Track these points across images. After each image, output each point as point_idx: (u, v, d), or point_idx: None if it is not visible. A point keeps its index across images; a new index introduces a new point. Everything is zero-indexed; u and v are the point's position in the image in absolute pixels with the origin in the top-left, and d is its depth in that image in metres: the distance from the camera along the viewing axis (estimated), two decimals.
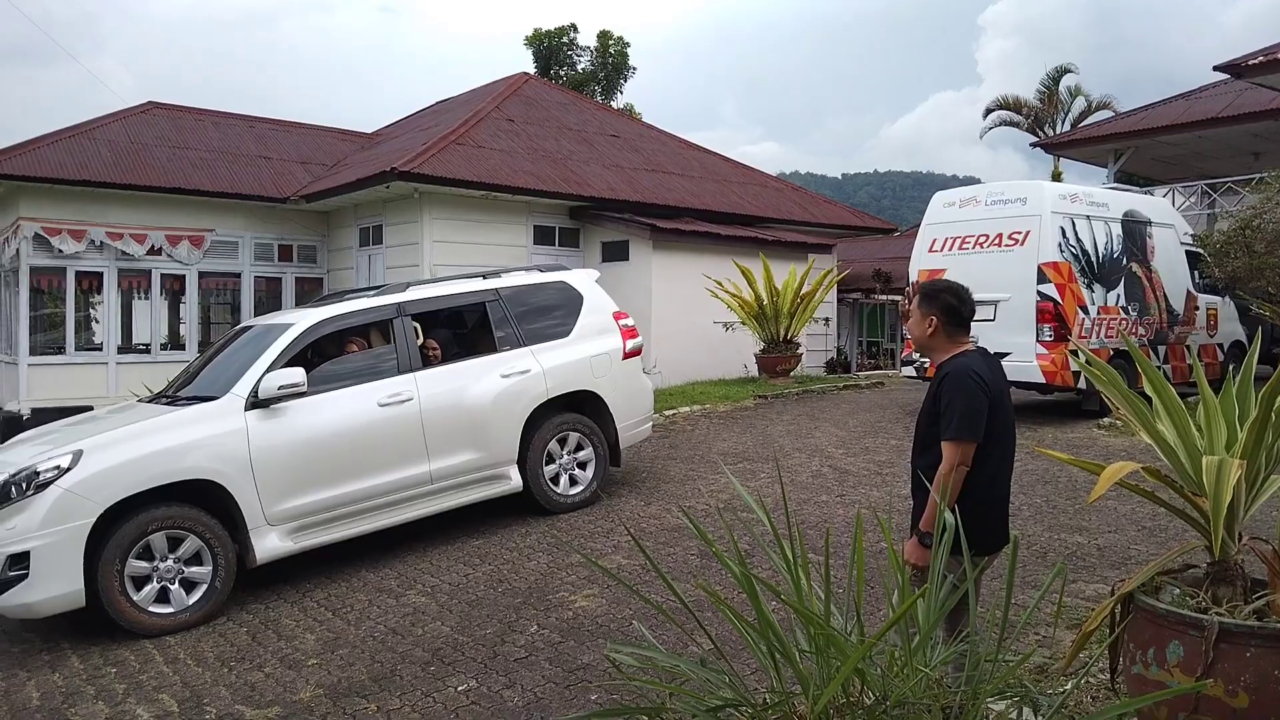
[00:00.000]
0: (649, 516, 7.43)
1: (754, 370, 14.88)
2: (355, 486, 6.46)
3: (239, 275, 16.19)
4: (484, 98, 18.62)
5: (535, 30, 36.53)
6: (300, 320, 6.74)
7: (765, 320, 14.25)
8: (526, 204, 15.19)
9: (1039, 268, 10.25)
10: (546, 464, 7.56)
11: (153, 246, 15.26)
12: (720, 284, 14.15)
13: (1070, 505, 7.21)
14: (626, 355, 8.07)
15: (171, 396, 6.82)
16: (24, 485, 5.52)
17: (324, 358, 6.92)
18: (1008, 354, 9.52)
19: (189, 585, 5.87)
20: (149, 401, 7.01)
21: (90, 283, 15.09)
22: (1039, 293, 10.24)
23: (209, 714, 4.57)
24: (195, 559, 5.88)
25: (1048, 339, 10.21)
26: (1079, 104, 31.56)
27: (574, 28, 36.48)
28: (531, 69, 33.59)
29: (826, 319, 17.91)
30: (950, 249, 11.14)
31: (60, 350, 14.91)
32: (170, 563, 5.80)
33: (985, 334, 10.70)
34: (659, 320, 14.64)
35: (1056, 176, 26.21)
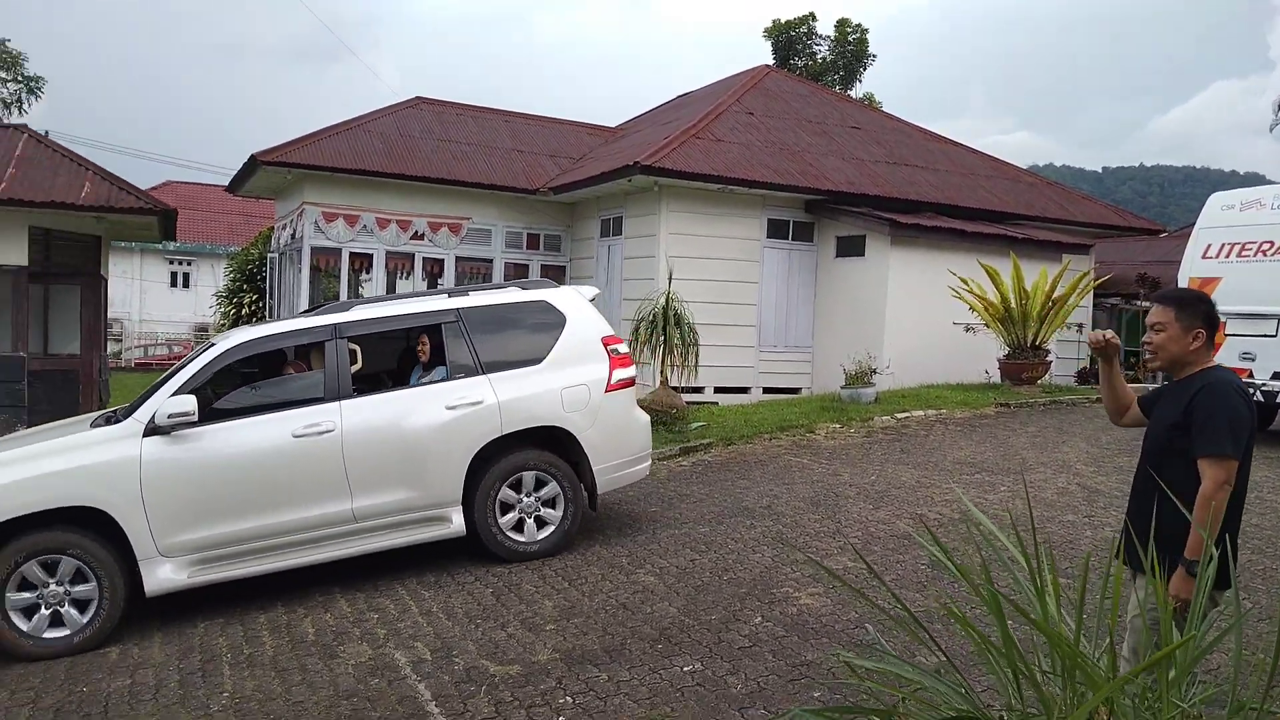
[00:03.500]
0: (878, 521, 7.30)
1: (995, 376, 14.17)
2: (262, 522, 6.04)
3: (491, 261, 17.26)
4: (724, 91, 18.78)
5: (774, 21, 36.39)
6: (221, 341, 6.41)
7: (1011, 324, 13.54)
8: (762, 197, 15.21)
9: None
10: (502, 507, 6.67)
11: (416, 232, 16.56)
12: (965, 283, 13.57)
13: None
14: (612, 387, 6.96)
15: (111, 415, 6.40)
16: None
17: (265, 379, 6.72)
18: None
19: (76, 607, 5.72)
20: (102, 419, 6.44)
21: (361, 263, 16.59)
22: None
23: (457, 665, 4.97)
24: (79, 580, 5.71)
25: None
26: None
27: (812, 16, 36.03)
28: (770, 60, 33.48)
29: (1080, 325, 16.75)
30: (1228, 256, 10.13)
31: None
32: (55, 587, 5.67)
33: (1267, 351, 9.69)
34: (893, 319, 14.25)
35: None
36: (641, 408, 11.20)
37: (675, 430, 10.88)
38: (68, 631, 5.70)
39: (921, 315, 14.34)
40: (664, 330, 11.10)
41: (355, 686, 4.82)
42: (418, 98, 19.43)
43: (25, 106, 38.24)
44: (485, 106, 20.12)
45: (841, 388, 12.70)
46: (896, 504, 7.75)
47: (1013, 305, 13.40)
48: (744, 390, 15.16)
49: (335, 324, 6.52)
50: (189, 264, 38.82)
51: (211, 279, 35.61)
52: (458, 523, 6.56)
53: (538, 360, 6.85)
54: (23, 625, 5.63)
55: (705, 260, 14.66)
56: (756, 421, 11.35)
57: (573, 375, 6.87)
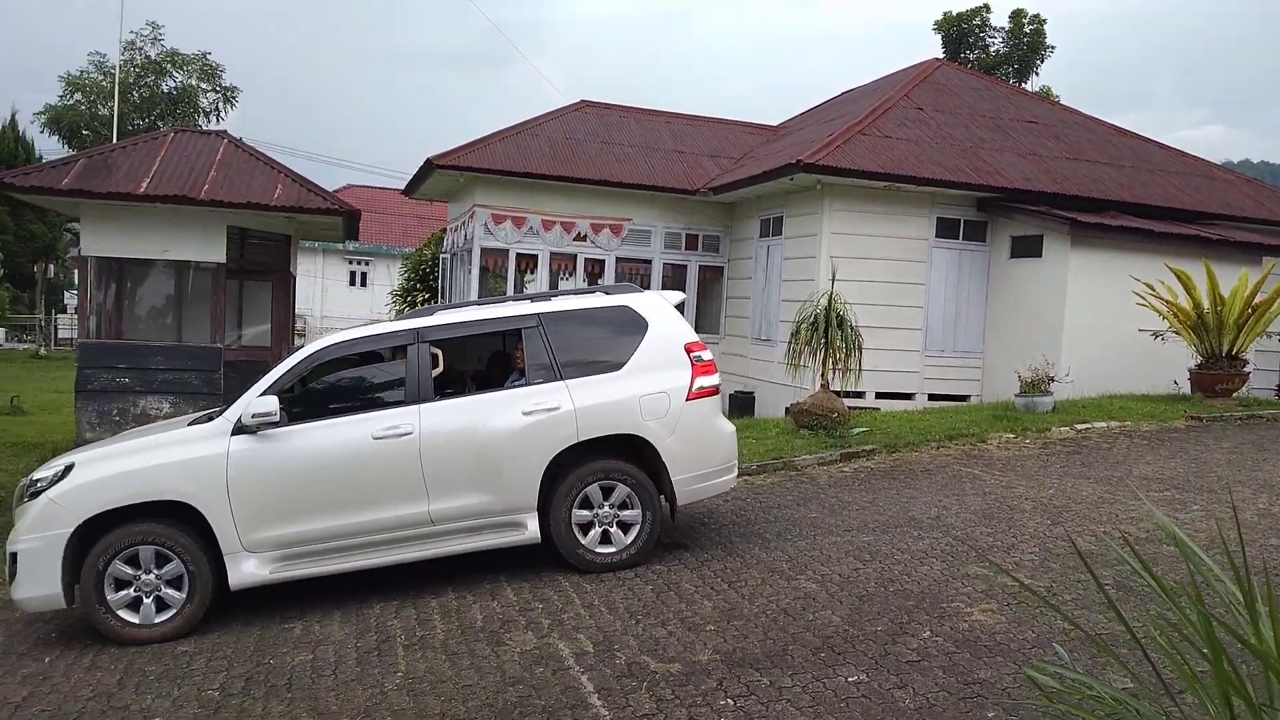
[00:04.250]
0: (1055, 538, 6.89)
1: (1185, 388, 13.18)
2: (342, 521, 6.18)
3: (650, 262, 17.41)
4: (891, 86, 18.26)
5: (945, 14, 35.16)
6: (311, 344, 6.64)
7: (1205, 332, 12.55)
8: (931, 195, 14.69)
9: None
10: (579, 515, 6.62)
11: (579, 233, 16.89)
12: (1150, 288, 12.69)
13: None
14: (694, 395, 6.78)
15: (209, 414, 6.69)
16: (29, 492, 6.08)
17: (356, 382, 6.82)
18: None
19: (163, 600, 6.03)
20: (204, 417, 6.71)
21: (527, 264, 17.05)
22: None
23: (619, 659, 5.01)
24: (175, 577, 6.04)
25: None
26: None
27: (986, 8, 34.62)
28: (940, 53, 32.34)
29: None
30: None
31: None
32: (151, 576, 5.99)
33: None
34: (1072, 324, 13.47)
35: None
36: (801, 411, 11.13)
37: (836, 435, 10.64)
38: (161, 619, 6.01)
39: (1103, 321, 13.49)
40: (825, 333, 10.88)
41: (521, 674, 4.93)
42: (583, 101, 19.82)
43: (222, 114, 41.43)
44: (648, 109, 20.33)
45: (1015, 396, 12.10)
46: (1076, 520, 7.31)
47: (1206, 311, 12.42)
48: (908, 396, 14.69)
49: (417, 328, 6.60)
50: (366, 263, 41.03)
51: (387, 278, 37.49)
52: (533, 529, 6.51)
53: (617, 366, 6.73)
54: (118, 609, 5.97)
55: (869, 261, 14.28)
56: (923, 428, 10.97)
57: (652, 382, 6.72)
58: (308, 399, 6.51)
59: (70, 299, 41.66)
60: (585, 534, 6.61)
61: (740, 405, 15.65)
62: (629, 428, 6.62)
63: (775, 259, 15.81)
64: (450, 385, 6.85)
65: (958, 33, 34.60)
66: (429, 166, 16.30)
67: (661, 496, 6.82)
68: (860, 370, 11.09)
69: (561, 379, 6.61)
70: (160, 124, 38.52)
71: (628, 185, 16.73)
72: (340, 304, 39.83)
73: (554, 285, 17.13)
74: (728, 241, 17.76)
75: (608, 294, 7.16)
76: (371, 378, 6.82)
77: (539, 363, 6.66)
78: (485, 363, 7.42)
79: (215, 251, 12.55)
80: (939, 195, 14.71)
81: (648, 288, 17.18)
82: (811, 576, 6.22)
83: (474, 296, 16.43)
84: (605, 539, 6.66)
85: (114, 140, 28.68)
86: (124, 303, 13.46)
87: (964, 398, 14.86)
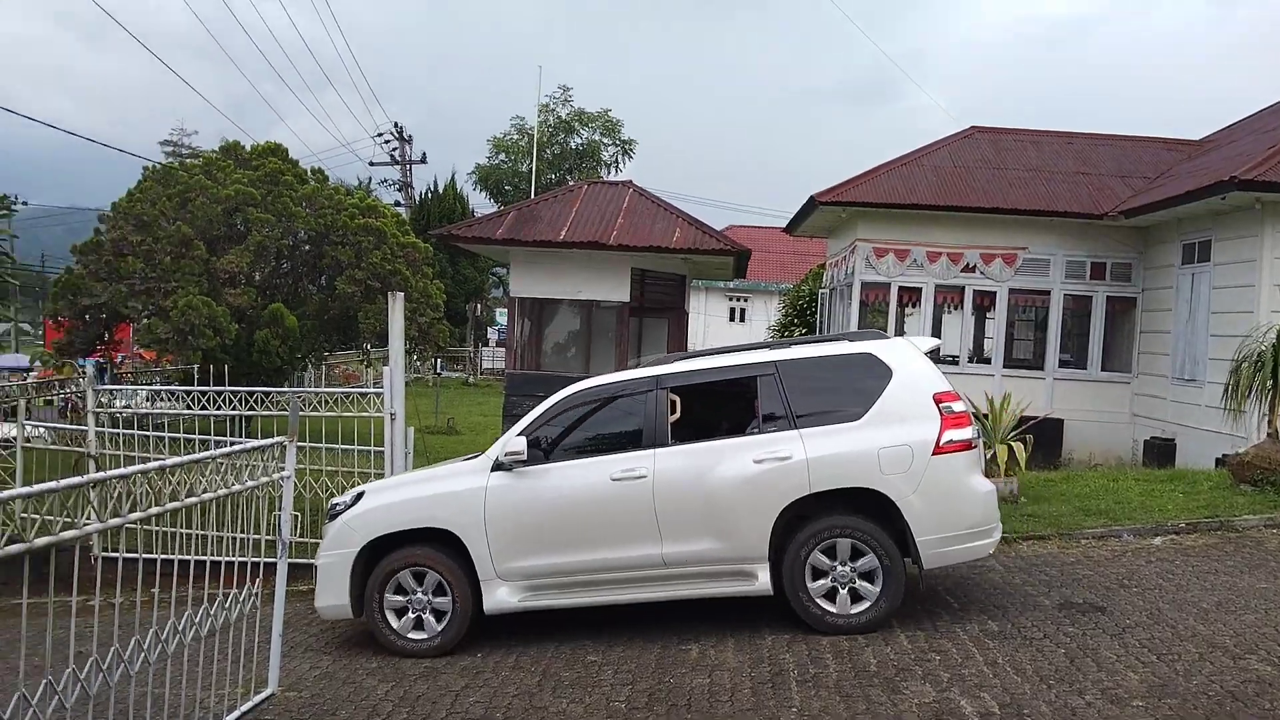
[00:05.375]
0: None
1: None
2: (582, 557, 6.43)
3: (1048, 293, 16.18)
4: None
5: None
6: (562, 391, 6.92)
7: None
8: None
9: None
10: (813, 573, 6.29)
11: (967, 264, 16.15)
12: None
13: None
14: (942, 449, 6.24)
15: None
16: (330, 513, 6.81)
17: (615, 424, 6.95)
18: None
19: (437, 615, 6.62)
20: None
21: (909, 298, 16.61)
22: None
23: None
24: (440, 593, 6.60)
25: None
26: None
27: None
28: None
29: None
30: None
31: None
32: (423, 596, 6.61)
33: None
34: None
35: None
36: (1242, 464, 9.65)
37: None
38: (426, 635, 6.63)
39: None
40: (1274, 372, 9.40)
41: None
42: (973, 127, 19.02)
43: (621, 165, 45.21)
44: (1044, 130, 19.00)
45: None
46: None
47: None
48: None
49: (657, 375, 6.78)
50: (745, 300, 42.45)
51: (764, 313, 38.50)
52: (763, 580, 6.36)
53: (856, 416, 6.42)
54: (394, 623, 6.66)
55: None
56: None
57: (895, 434, 6.31)
58: (557, 440, 6.82)
59: (492, 334, 47.50)
60: (820, 591, 6.35)
61: (1157, 453, 13.98)
62: (866, 481, 6.32)
63: (1202, 288, 13.97)
64: (687, 431, 6.84)
65: None
66: (812, 203, 16.51)
67: (908, 559, 6.37)
68: None
69: (796, 428, 6.45)
70: (569, 177, 42.90)
71: (1023, 211, 15.72)
72: (720, 338, 41.51)
73: (937, 320, 16.54)
74: (1141, 269, 16.02)
75: (851, 340, 6.99)
76: (614, 422, 6.97)
77: (774, 411, 6.56)
78: (722, 410, 7.39)
79: (621, 291, 13.69)
80: None
81: (1045, 320, 16.07)
82: (1265, 658, 5.35)
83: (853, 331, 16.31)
84: (840, 598, 6.35)
85: (532, 194, 32.38)
86: (540, 337, 15.09)
87: None
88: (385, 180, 46.32)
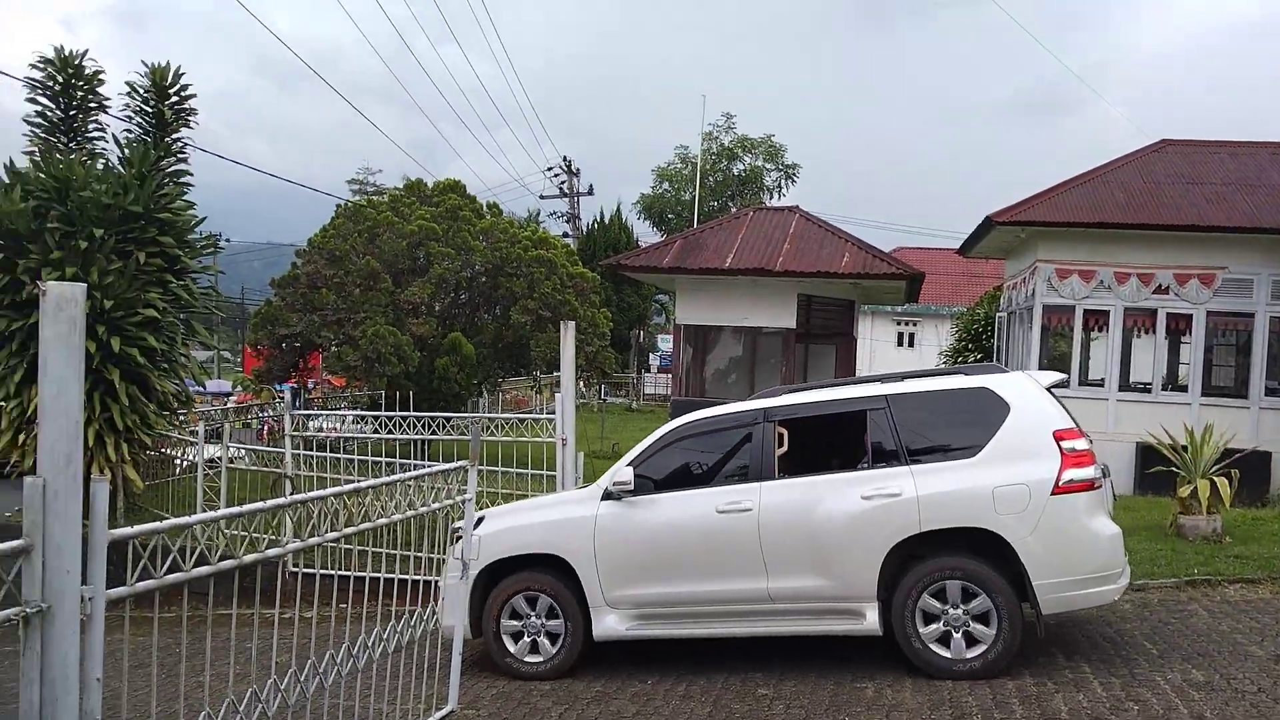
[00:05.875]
0: None
1: None
2: (689, 588, 6.44)
3: (1251, 316, 14.92)
4: None
5: None
6: (669, 424, 7.03)
7: None
8: None
9: None
10: (924, 615, 6.07)
11: (1159, 286, 15.10)
12: None
13: None
14: (1062, 489, 5.93)
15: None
16: (452, 537, 6.49)
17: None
18: None
19: (551, 638, 6.79)
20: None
21: (1095, 321, 15.68)
22: None
23: None
24: (551, 615, 6.76)
25: None
26: None
27: None
28: None
29: None
30: None
31: (1064, 385, 15.80)
32: (534, 620, 6.78)
33: None
34: None
35: None
36: None
37: None
38: (541, 658, 6.75)
39: None
40: None
41: None
42: (1163, 141, 17.85)
43: (784, 191, 44.97)
44: (1241, 141, 17.63)
45: None
46: None
47: None
48: None
49: (765, 408, 6.74)
50: (914, 324, 41.25)
51: (935, 338, 37.29)
52: (871, 620, 6.21)
53: (971, 453, 6.20)
54: (510, 646, 6.79)
55: None
56: None
57: (1011, 472, 6.04)
58: (665, 470, 6.86)
59: (654, 360, 48.06)
60: (933, 635, 6.11)
61: None
62: (979, 521, 6.06)
63: None
64: (795, 465, 6.73)
65: None
66: (988, 224, 15.87)
67: (1026, 603, 6.08)
68: None
69: (906, 464, 6.28)
70: (731, 204, 43.02)
71: (1222, 229, 14.60)
72: (887, 364, 40.44)
73: (1126, 344, 15.55)
74: None
75: (967, 375, 6.79)
76: (722, 454, 6.97)
77: (884, 446, 6.43)
78: (831, 444, 7.24)
79: (786, 317, 13.58)
80: None
81: (1249, 345, 14.80)
82: None
83: (1034, 356, 15.57)
84: (954, 642, 6.08)
85: (694, 222, 32.66)
86: (704, 364, 15.14)
87: None
88: (554, 212, 47.88)
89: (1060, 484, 6.01)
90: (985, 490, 6.06)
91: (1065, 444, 6.12)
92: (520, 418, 10.55)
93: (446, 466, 6.04)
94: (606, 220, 42.30)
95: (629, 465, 6.79)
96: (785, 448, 6.66)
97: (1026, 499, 6.00)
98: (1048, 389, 6.53)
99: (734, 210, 40.45)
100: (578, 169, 44.49)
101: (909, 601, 6.13)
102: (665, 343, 54.16)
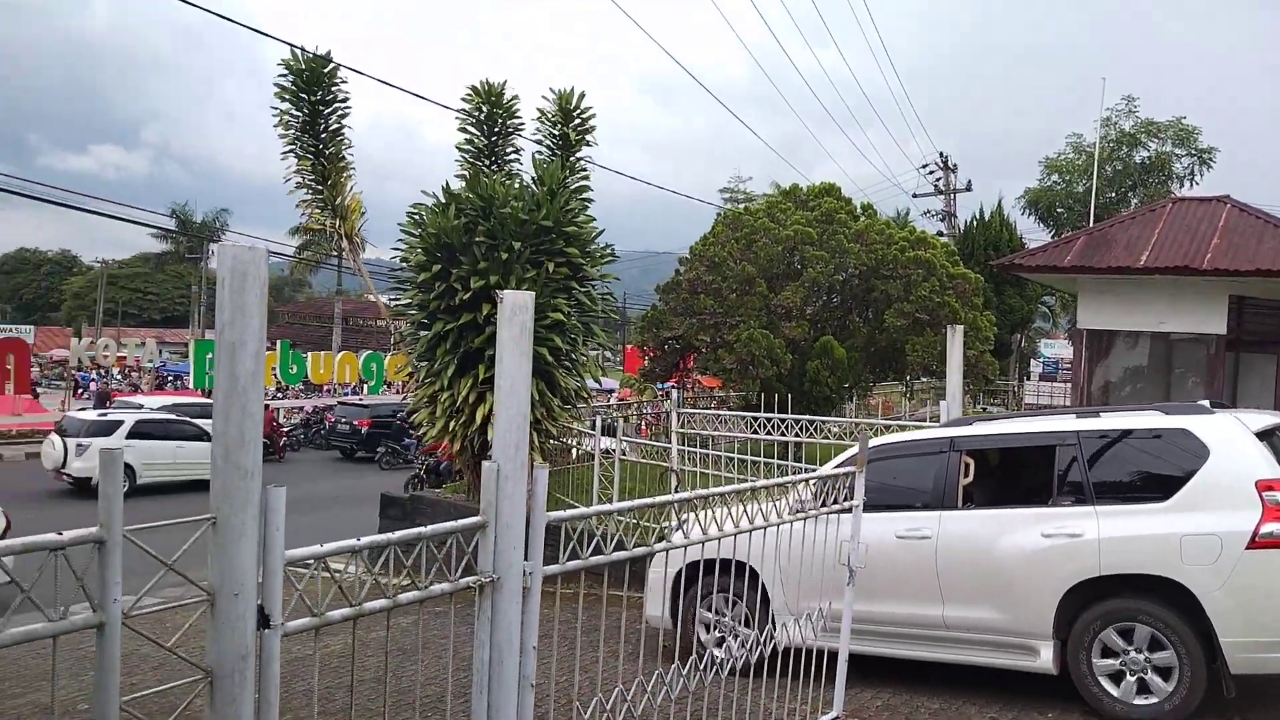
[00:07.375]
0: None
1: None
2: (866, 607, 6.15)
3: None
4: None
5: None
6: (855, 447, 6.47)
7: None
8: None
9: None
10: (1102, 650, 5.88)
11: None
12: None
13: None
14: (1260, 543, 5.48)
15: None
16: (658, 536, 6.55)
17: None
18: None
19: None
20: None
21: None
22: None
23: None
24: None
25: None
26: None
27: None
28: None
29: None
30: None
31: None
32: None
33: None
34: None
35: None
36: None
37: None
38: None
39: None
40: None
41: None
42: None
43: (1196, 179, 39.64)
44: None
45: None
46: None
47: None
48: None
49: (952, 437, 6.80)
50: None
51: None
52: (1045, 659, 6.09)
53: (1162, 498, 5.95)
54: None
55: None
56: None
57: (1203, 521, 5.73)
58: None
59: (1035, 366, 44.66)
60: (1105, 670, 5.94)
61: None
62: (1162, 569, 5.78)
63: None
64: (977, 496, 6.76)
65: None
66: None
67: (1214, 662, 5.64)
68: None
69: (1092, 504, 6.10)
70: (1130, 195, 38.81)
71: None
72: None
73: None
74: None
75: (1166, 414, 6.41)
76: (906, 479, 6.98)
77: (1070, 484, 6.31)
78: (1016, 477, 7.18)
79: (1214, 323, 11.92)
80: None
81: None
82: None
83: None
84: (1132, 685, 5.85)
85: (1090, 216, 29.87)
86: (1106, 373, 13.68)
87: None
88: (927, 211, 46.23)
89: (1259, 537, 5.61)
90: (1172, 538, 5.81)
91: (1268, 495, 5.70)
92: (902, 425, 10.26)
93: (836, 471, 5.99)
94: (986, 217, 39.89)
95: None
96: (969, 478, 6.74)
97: (1218, 551, 5.67)
98: (1260, 433, 6.02)
99: (1136, 203, 36.37)
100: (955, 165, 42.53)
101: (1088, 632, 6.01)
102: (1049, 348, 50.12)
